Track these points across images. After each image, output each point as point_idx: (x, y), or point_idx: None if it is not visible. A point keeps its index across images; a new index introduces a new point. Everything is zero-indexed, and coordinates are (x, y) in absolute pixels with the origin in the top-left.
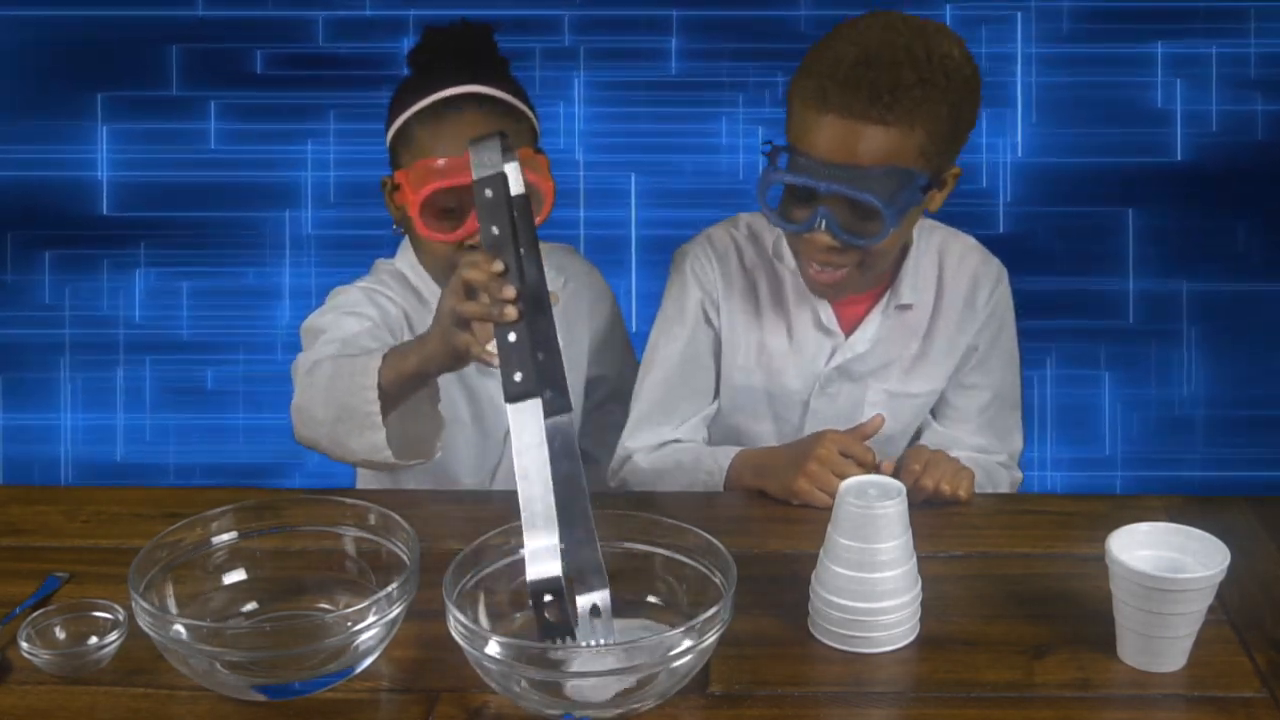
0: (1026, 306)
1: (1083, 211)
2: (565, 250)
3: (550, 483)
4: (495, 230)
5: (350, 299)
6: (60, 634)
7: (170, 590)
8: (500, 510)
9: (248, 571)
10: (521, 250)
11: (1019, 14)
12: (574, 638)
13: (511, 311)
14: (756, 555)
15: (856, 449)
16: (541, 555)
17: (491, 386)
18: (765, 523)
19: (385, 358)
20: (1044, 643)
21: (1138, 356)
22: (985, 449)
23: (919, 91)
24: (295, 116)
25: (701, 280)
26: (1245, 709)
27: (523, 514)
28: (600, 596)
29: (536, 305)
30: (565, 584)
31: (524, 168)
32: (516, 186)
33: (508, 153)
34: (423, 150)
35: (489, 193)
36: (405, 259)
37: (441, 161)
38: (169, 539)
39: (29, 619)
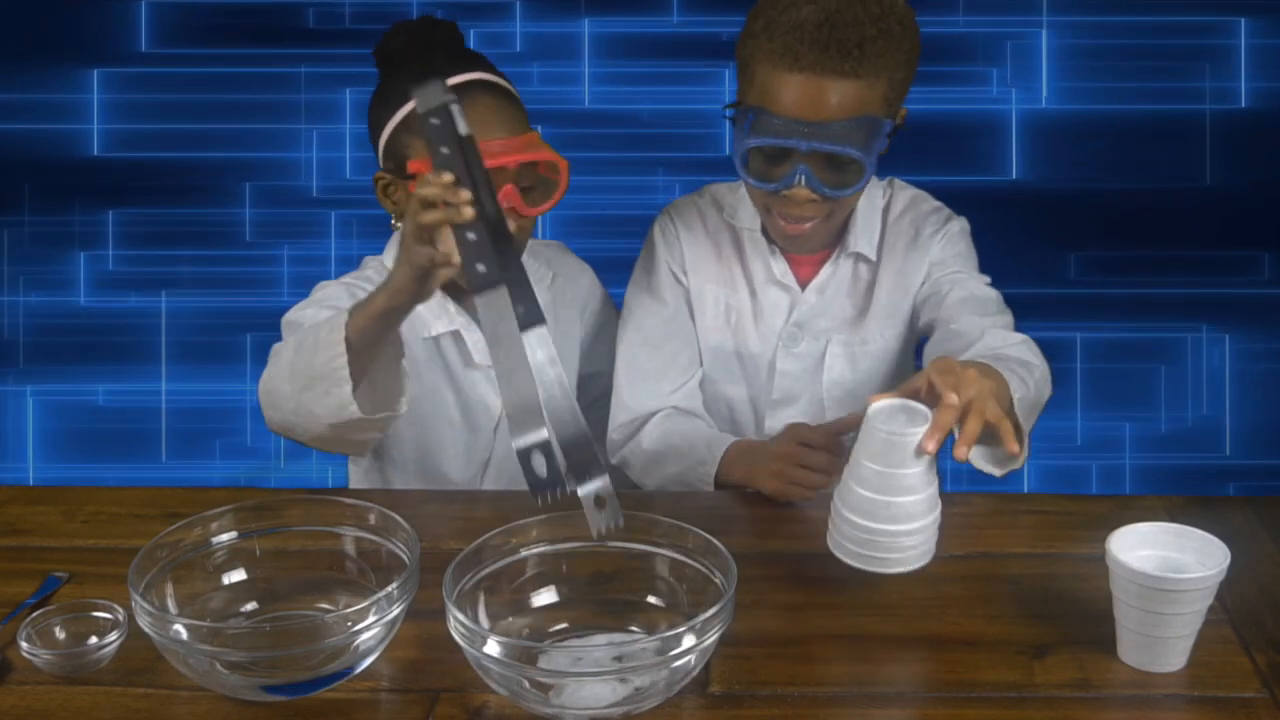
0: None
1: None
2: (556, 246)
3: (527, 364)
4: (445, 150)
5: (330, 293)
6: (60, 634)
7: (170, 590)
8: (500, 510)
9: (248, 571)
10: (476, 184)
11: None
12: (564, 491)
13: (468, 210)
14: (756, 555)
15: (815, 435)
16: (526, 421)
17: (479, 382)
18: (765, 523)
19: (350, 312)
20: (1044, 643)
21: None
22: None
23: (881, 43)
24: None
25: (669, 242)
26: (1245, 709)
27: (506, 405)
28: (601, 484)
29: (491, 213)
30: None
31: (535, 149)
32: (463, 127)
33: (450, 94)
34: None
35: (435, 121)
36: (393, 254)
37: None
38: (169, 539)
39: (29, 619)
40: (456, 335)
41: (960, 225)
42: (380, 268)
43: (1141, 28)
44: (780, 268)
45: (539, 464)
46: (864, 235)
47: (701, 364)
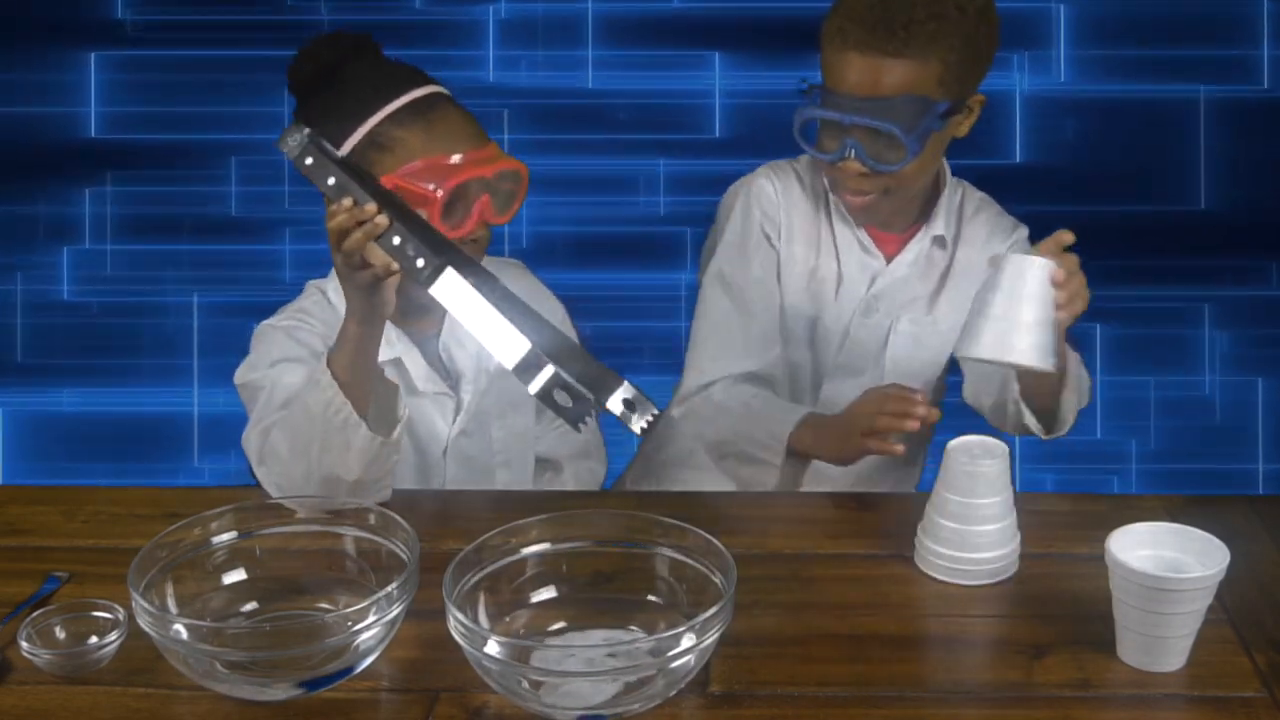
0: None
1: None
2: (516, 267)
3: (505, 321)
4: (331, 180)
5: (276, 348)
6: (60, 634)
7: (170, 590)
8: (500, 510)
9: (248, 571)
10: (373, 193)
11: None
12: (597, 410)
13: (381, 219)
14: (756, 555)
15: (894, 388)
16: (528, 365)
17: (425, 407)
18: (765, 523)
19: (328, 362)
20: (1044, 643)
21: None
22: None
23: (932, 25)
24: None
25: (763, 203)
26: (1245, 709)
27: (505, 364)
28: (623, 390)
29: (400, 210)
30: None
31: (504, 158)
32: (332, 149)
33: (305, 129)
34: (413, 151)
35: (310, 160)
36: (331, 279)
37: (458, 157)
38: (169, 539)
39: (29, 619)
40: (398, 363)
41: (1024, 235)
42: (316, 299)
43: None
44: (866, 239)
45: (562, 398)
46: (945, 220)
47: (780, 337)
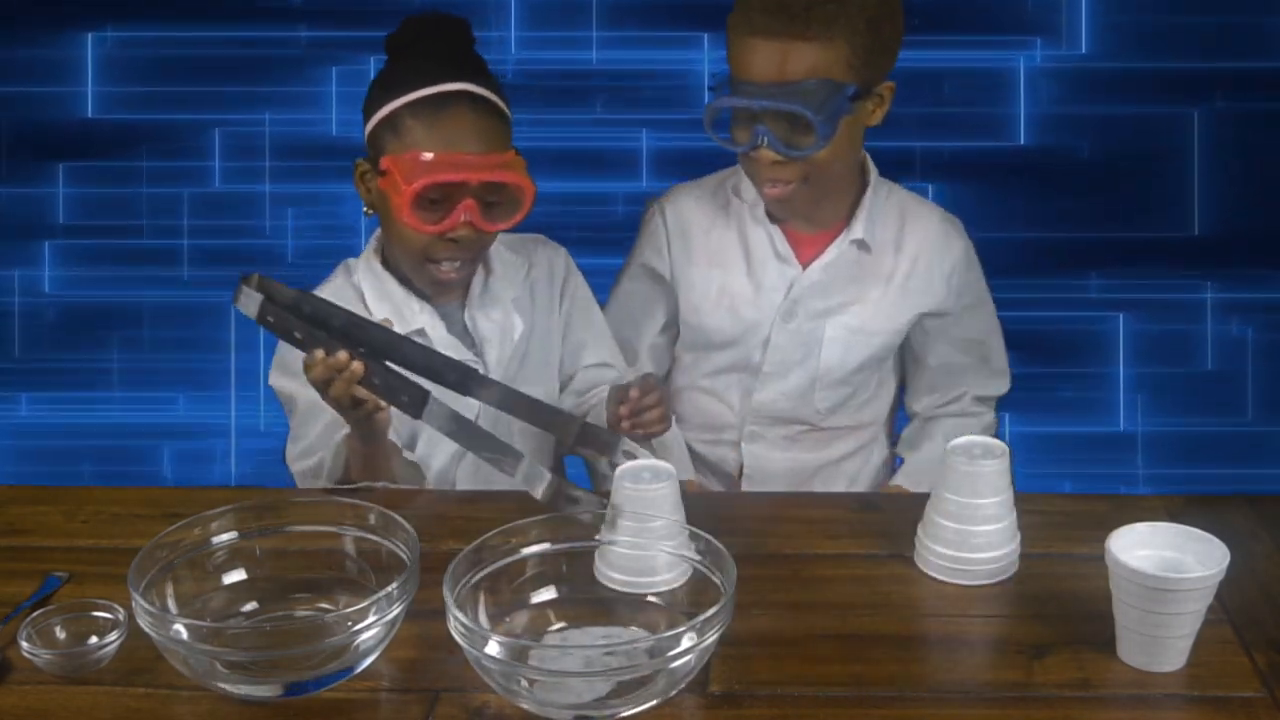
0: None
1: None
2: (535, 239)
3: (486, 434)
4: (298, 335)
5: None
6: (60, 634)
7: (170, 590)
8: (500, 510)
9: (248, 571)
10: (341, 335)
11: None
12: (601, 499)
13: (357, 366)
14: (756, 555)
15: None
16: (532, 474)
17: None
18: (765, 523)
19: (347, 469)
20: (1044, 643)
21: None
22: (972, 408)
23: (833, 6)
24: None
25: (651, 233)
26: (1245, 709)
27: (513, 476)
28: (621, 443)
29: (373, 343)
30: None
31: (499, 170)
32: (287, 294)
33: (257, 291)
34: (414, 142)
35: (271, 318)
36: (365, 263)
37: (434, 157)
38: (169, 539)
39: (29, 619)
40: (422, 333)
41: (969, 246)
42: (345, 274)
43: None
44: (782, 245)
45: (573, 495)
46: (868, 224)
47: (702, 346)
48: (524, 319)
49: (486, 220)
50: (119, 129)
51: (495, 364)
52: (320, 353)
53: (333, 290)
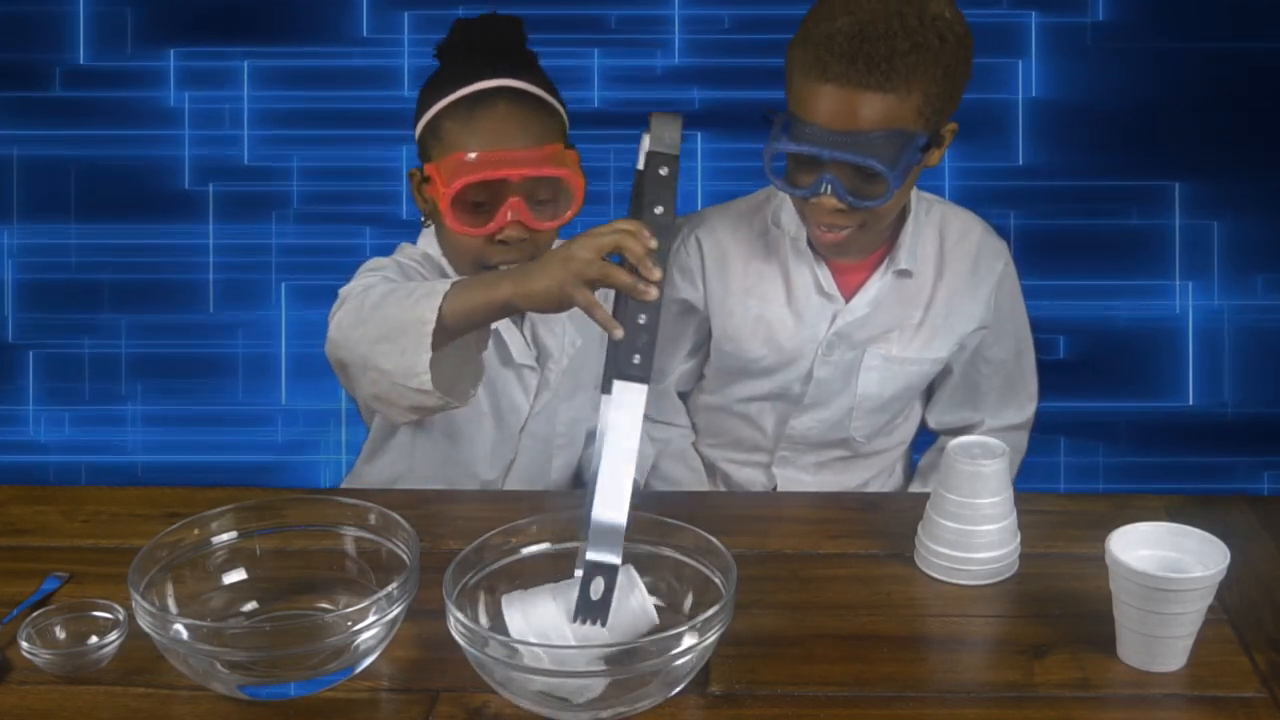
0: None
1: None
2: None
3: (633, 470)
4: (659, 210)
5: (387, 269)
6: (60, 634)
7: (170, 590)
8: (500, 510)
9: (248, 571)
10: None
11: None
12: (604, 623)
13: (654, 291)
14: (756, 555)
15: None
16: (606, 537)
17: (511, 381)
18: (765, 523)
19: (454, 285)
20: (1044, 643)
21: None
22: (1002, 428)
23: (914, 57)
24: None
25: (682, 264)
26: (1245, 709)
27: (597, 491)
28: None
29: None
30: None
31: (544, 164)
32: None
33: (684, 139)
34: (454, 144)
35: (663, 171)
36: (430, 244)
37: (473, 155)
38: (169, 539)
39: (29, 619)
40: (495, 334)
41: (1010, 259)
42: (419, 256)
43: None
44: (826, 279)
45: (596, 587)
46: (914, 253)
47: (695, 360)
48: (581, 333)
49: (536, 218)
50: None
51: (554, 374)
52: (656, 243)
53: (410, 259)
